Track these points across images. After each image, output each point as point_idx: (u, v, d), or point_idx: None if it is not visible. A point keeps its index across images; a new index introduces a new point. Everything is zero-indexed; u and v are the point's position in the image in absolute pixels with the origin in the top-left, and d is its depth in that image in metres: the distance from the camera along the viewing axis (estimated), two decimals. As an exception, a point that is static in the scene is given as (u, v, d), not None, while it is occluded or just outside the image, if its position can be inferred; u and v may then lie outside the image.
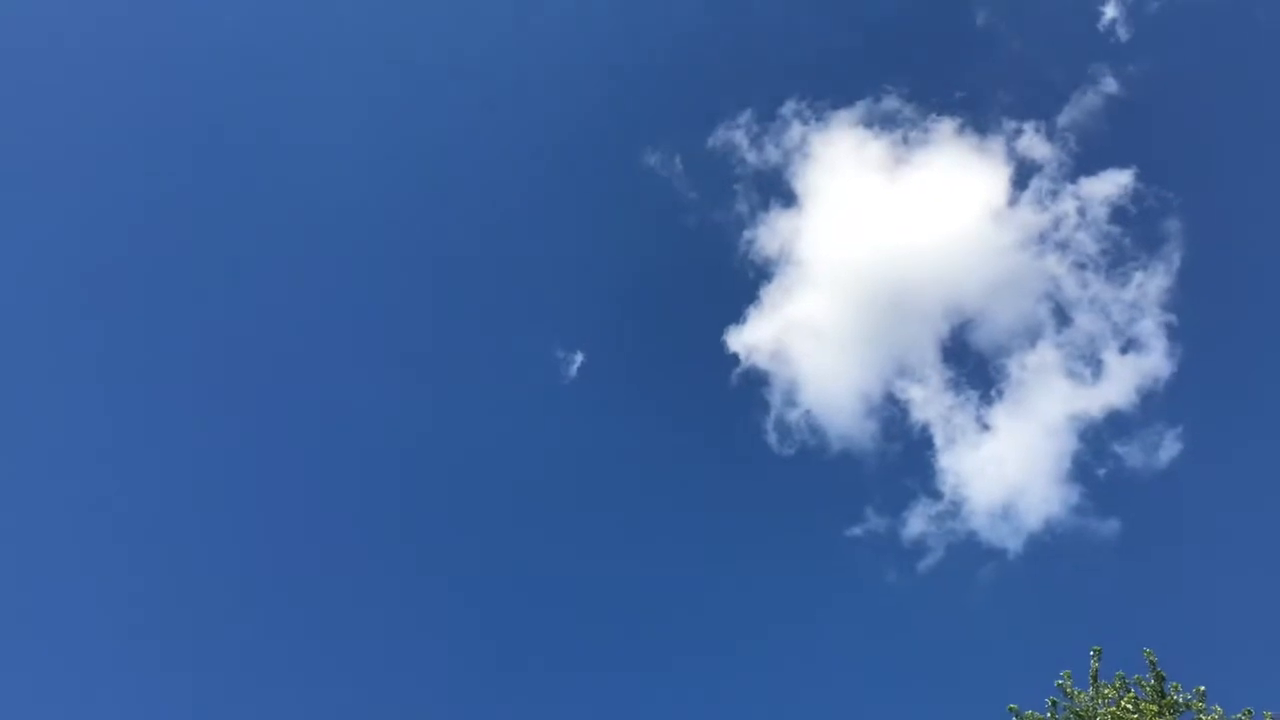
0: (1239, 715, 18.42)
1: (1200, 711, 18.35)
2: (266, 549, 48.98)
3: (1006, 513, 44.65)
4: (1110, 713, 18.35)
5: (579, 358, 49.14)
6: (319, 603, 49.03)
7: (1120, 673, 19.29)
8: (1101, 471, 44.89)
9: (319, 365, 51.05)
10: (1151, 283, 44.83)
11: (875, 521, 46.49)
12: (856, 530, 46.95)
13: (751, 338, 48.63)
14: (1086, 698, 19.33)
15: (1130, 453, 44.24)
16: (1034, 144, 46.63)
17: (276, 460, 50.06)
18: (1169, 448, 43.53)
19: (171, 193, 49.77)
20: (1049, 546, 44.57)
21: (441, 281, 52.64)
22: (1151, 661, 19.05)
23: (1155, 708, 18.14)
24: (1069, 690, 19.53)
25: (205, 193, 50.55)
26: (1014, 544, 44.09)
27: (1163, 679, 18.86)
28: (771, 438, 47.81)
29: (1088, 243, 45.49)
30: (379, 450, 50.77)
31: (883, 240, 48.61)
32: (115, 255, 49.00)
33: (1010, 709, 19.43)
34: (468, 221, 52.83)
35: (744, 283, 51.20)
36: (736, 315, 53.04)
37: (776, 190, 53.07)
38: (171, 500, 47.92)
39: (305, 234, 51.23)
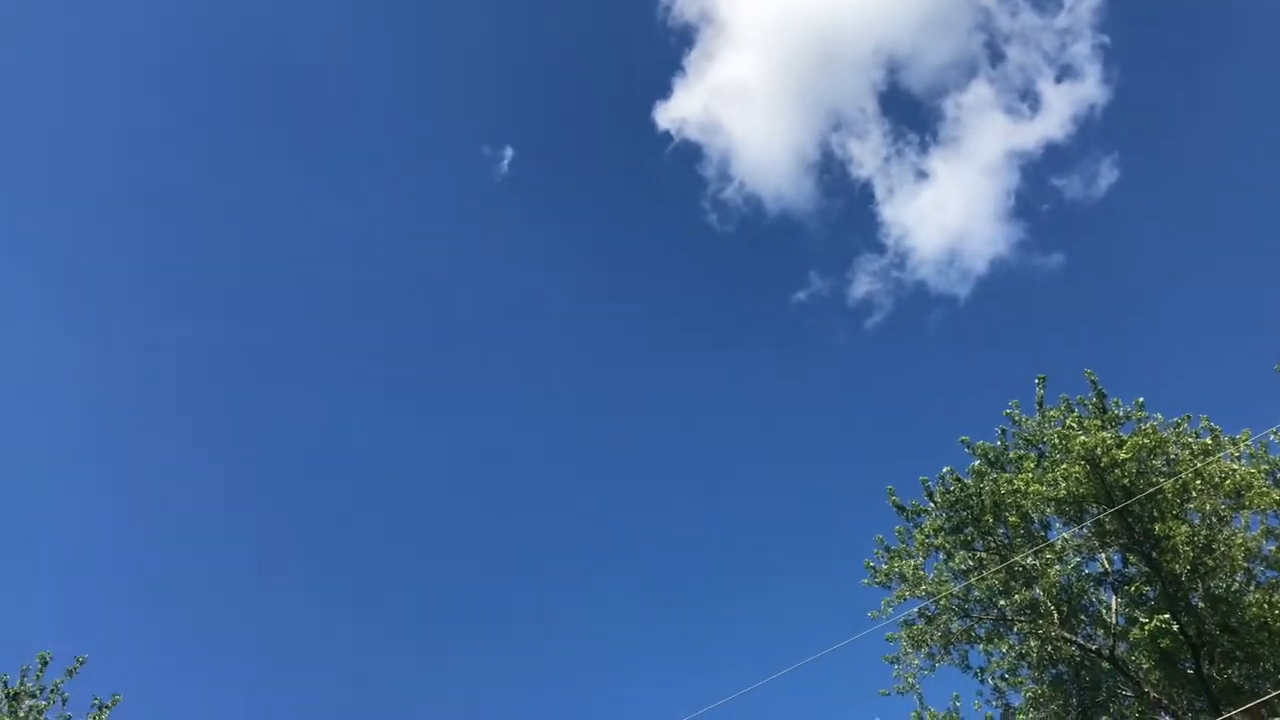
0: (1177, 420, 19.35)
1: (1140, 421, 19.24)
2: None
3: (952, 259, 45.20)
4: (1056, 432, 19.21)
5: (509, 153, 47.95)
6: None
7: (1064, 395, 20.08)
8: (1044, 207, 45.31)
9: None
10: (1082, 4, 44.05)
11: (819, 284, 46.95)
12: (801, 295, 47.42)
13: (679, 111, 47.59)
14: (1034, 423, 20.17)
15: (1069, 185, 44.61)
16: None
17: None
18: (1107, 175, 43.90)
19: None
20: (996, 287, 45.42)
21: (358, 93, 50.68)
22: (1092, 381, 19.85)
23: (1098, 422, 19.00)
24: (1017, 418, 20.35)
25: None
26: (962, 289, 44.84)
27: (1103, 396, 19.69)
28: (710, 217, 47.49)
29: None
30: (312, 257, 50.00)
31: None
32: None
33: (961, 441, 20.29)
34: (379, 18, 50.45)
35: (666, 51, 49.65)
36: (662, 89, 51.77)
37: (692, -54, 50.76)
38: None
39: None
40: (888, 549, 20.37)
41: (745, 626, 43.85)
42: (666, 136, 47.92)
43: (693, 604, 46.06)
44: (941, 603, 19.57)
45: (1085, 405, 19.78)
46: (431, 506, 50.30)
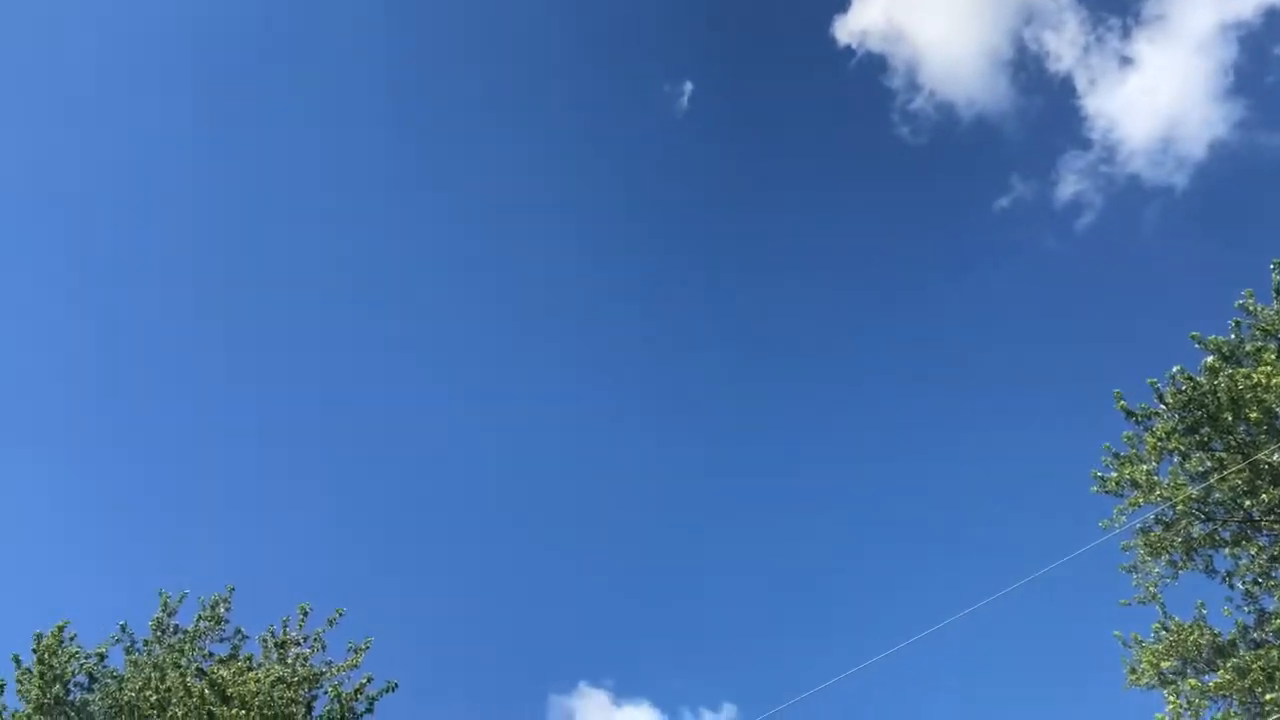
0: None
1: (1395, 300, 17.68)
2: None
3: (1167, 147, 42.34)
4: (1298, 319, 17.86)
5: (688, 87, 47.56)
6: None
7: (1305, 277, 18.59)
8: (1268, 79, 41.78)
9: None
10: None
11: (1023, 188, 44.88)
12: (1004, 202, 45.45)
13: (859, 23, 46.00)
14: (1271, 312, 18.83)
15: (1295, 52, 40.84)
16: None
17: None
18: (1338, 33, 39.97)
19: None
20: (1218, 172, 42.34)
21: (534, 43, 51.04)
22: (1338, 261, 18.29)
23: (1347, 305, 17.56)
24: (1251, 308, 19.02)
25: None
26: (1180, 179, 42.00)
27: (1351, 275, 18.15)
28: (901, 130, 45.93)
29: None
30: (495, 213, 50.97)
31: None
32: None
33: (1192, 336, 19.13)
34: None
35: (840, -41, 47.93)
36: (839, 2, 49.98)
37: None
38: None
39: None
40: (1116, 456, 19.53)
41: (973, 542, 43.12)
42: (848, 51, 46.45)
43: (920, 523, 45.62)
44: (1179, 508, 18.67)
45: (1331, 287, 18.29)
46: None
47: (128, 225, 49.25)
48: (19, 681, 16.25)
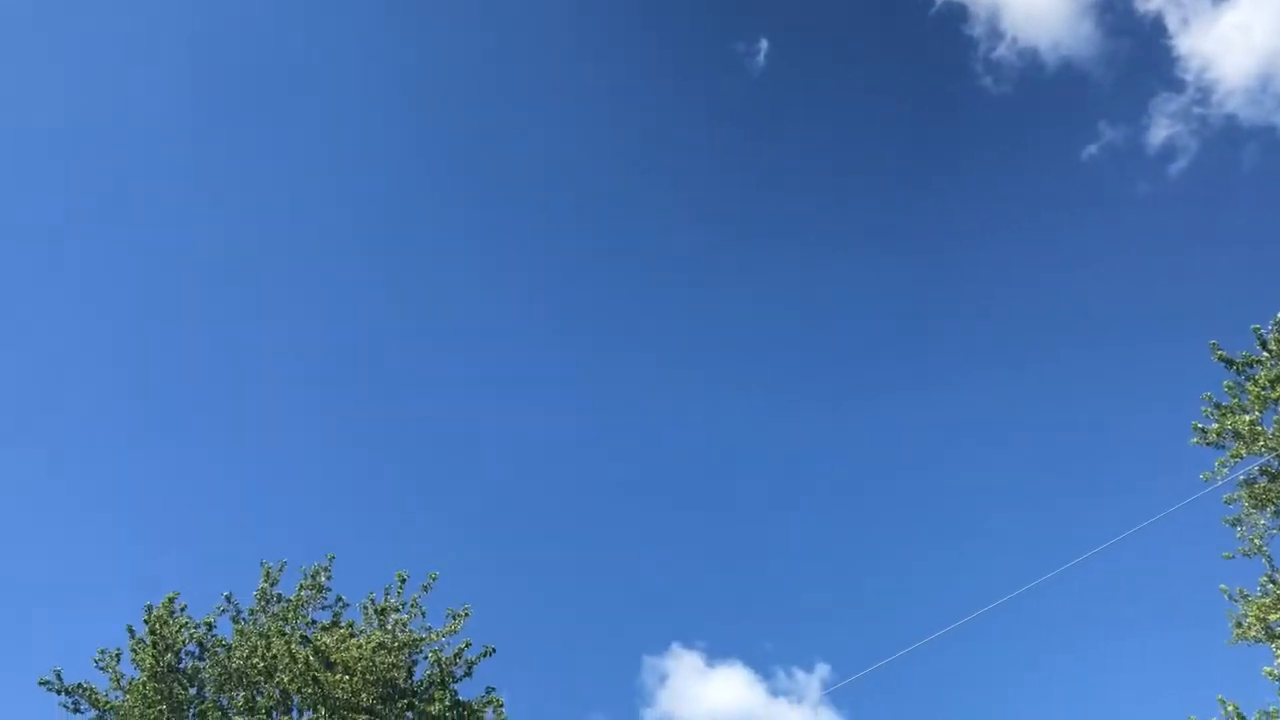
0: None
1: None
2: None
3: (1265, 84, 40.77)
4: None
5: (763, 45, 46.86)
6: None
7: None
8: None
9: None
10: None
11: (1112, 134, 43.58)
12: (1092, 149, 44.18)
13: (939, -32, 44.78)
14: (1380, 252, 18.10)
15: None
16: None
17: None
18: None
19: None
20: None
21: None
22: None
23: None
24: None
25: None
26: (1280, 118, 40.31)
27: None
28: (984, 80, 44.82)
29: None
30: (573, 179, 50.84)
31: None
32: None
33: (1296, 283, 18.52)
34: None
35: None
36: (918, -54, 48.80)
37: None
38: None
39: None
40: (1217, 406, 18.97)
41: (1072, 500, 42.44)
42: (927, 1, 45.37)
43: (1018, 479, 45.00)
44: (1286, 458, 18.09)
45: None
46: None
47: (182, 220, 50.13)
48: (133, 651, 16.80)
